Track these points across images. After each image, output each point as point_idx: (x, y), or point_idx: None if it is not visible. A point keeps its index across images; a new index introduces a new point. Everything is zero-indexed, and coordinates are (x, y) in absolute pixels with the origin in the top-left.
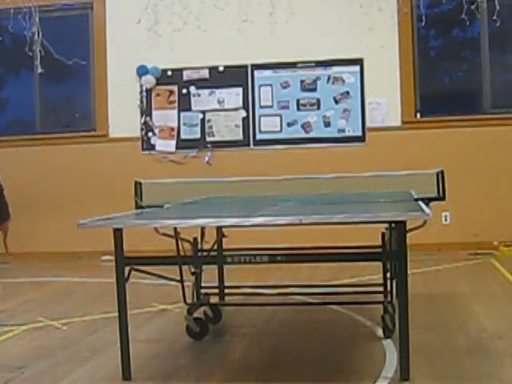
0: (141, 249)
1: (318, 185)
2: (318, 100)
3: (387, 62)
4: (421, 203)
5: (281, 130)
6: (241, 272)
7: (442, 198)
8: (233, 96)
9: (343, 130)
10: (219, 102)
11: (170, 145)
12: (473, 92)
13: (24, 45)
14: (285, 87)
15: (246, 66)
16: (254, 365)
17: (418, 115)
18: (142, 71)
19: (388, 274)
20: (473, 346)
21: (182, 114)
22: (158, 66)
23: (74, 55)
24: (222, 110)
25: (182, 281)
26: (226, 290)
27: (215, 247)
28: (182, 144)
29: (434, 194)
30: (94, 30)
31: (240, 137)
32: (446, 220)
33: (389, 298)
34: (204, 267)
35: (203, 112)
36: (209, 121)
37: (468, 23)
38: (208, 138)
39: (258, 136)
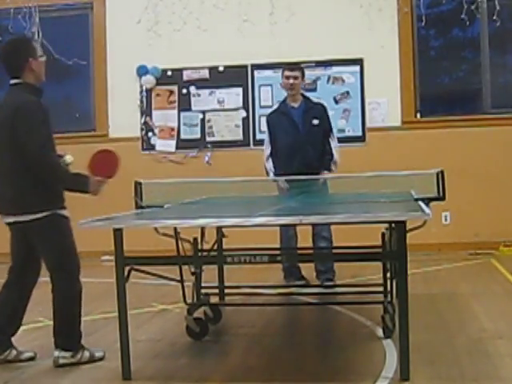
0: (141, 249)
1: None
2: None
3: (387, 62)
4: (421, 203)
5: None
6: (241, 272)
7: (442, 198)
8: (233, 96)
9: (343, 130)
10: (219, 102)
11: (170, 145)
12: (473, 92)
13: None
14: None
15: (245, 66)
16: (254, 365)
17: (418, 115)
18: (142, 71)
19: (388, 274)
20: (473, 346)
21: (182, 113)
22: (158, 66)
23: (74, 55)
24: (221, 110)
25: (182, 281)
26: (226, 290)
27: (215, 247)
28: (181, 144)
29: (434, 194)
30: (94, 30)
31: (240, 137)
32: (446, 220)
33: (389, 298)
34: (204, 267)
35: (203, 112)
36: (209, 121)
37: (468, 23)
38: (208, 138)
39: (258, 136)
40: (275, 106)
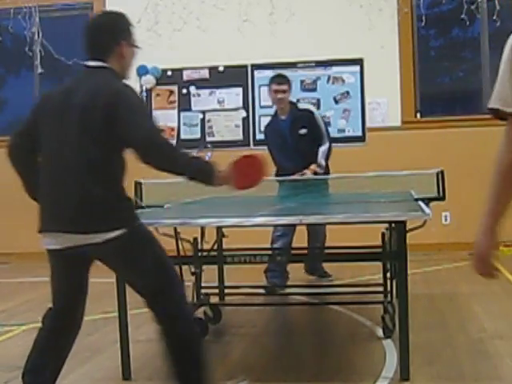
0: None
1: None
2: (318, 100)
3: (387, 62)
4: (421, 203)
5: None
6: (241, 272)
7: (442, 198)
8: (233, 96)
9: (343, 130)
10: (219, 102)
11: None
12: (473, 92)
13: (24, 45)
14: None
15: (245, 66)
16: (254, 365)
17: (418, 115)
18: (141, 71)
19: (388, 274)
20: (473, 346)
21: (182, 113)
22: (157, 66)
23: (73, 55)
24: (221, 110)
25: (181, 281)
26: (226, 290)
27: (215, 247)
28: (182, 144)
29: (434, 194)
30: None
31: (240, 137)
32: (445, 220)
33: (389, 298)
34: (204, 267)
35: (203, 112)
36: (209, 121)
37: (468, 23)
38: (208, 138)
39: (258, 136)
40: (269, 119)
